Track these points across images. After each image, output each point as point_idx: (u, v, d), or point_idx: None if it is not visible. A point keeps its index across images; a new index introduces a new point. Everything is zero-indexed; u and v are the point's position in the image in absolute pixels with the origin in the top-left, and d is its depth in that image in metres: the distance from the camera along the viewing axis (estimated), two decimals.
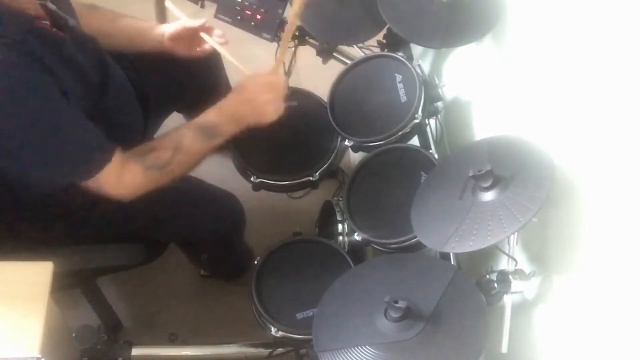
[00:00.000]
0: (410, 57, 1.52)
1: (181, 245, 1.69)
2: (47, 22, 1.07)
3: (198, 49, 1.40)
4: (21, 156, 1.04)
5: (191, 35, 1.38)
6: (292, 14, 1.27)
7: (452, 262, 1.23)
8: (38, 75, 1.00)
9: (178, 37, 1.37)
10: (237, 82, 1.27)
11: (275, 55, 1.40)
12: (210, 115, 1.21)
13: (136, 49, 1.41)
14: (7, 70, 0.96)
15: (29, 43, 1.00)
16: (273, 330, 1.22)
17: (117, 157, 1.11)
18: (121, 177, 1.12)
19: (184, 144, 1.17)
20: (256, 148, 1.49)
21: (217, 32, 1.39)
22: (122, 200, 1.15)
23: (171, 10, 1.38)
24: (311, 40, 1.60)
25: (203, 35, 1.36)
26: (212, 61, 1.60)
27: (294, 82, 1.75)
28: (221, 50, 1.37)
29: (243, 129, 1.23)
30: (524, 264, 1.11)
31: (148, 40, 1.38)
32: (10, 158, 1.05)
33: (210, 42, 1.37)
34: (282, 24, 1.57)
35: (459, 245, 0.99)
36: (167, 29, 1.37)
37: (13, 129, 1.00)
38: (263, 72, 1.27)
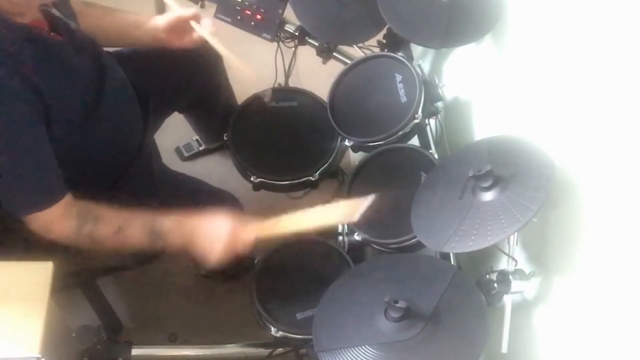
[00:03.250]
0: (410, 57, 1.52)
1: None
2: (45, 28, 1.07)
3: (187, 39, 1.39)
4: None
5: (183, 26, 1.37)
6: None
7: (452, 262, 1.23)
8: (20, 102, 0.98)
9: (172, 28, 1.36)
10: (215, 213, 1.18)
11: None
12: (167, 223, 1.16)
13: (132, 43, 1.40)
14: None
15: (23, 55, 0.98)
16: (273, 330, 1.22)
17: (59, 207, 1.08)
18: (53, 226, 1.09)
19: (126, 232, 1.13)
20: (256, 148, 1.49)
21: (206, 20, 1.37)
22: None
23: (169, 5, 1.38)
24: (311, 40, 1.60)
25: (193, 24, 1.35)
26: (212, 62, 1.60)
27: (294, 82, 1.75)
28: (210, 39, 1.35)
29: (183, 250, 1.18)
30: (524, 264, 1.11)
31: (143, 33, 1.37)
32: None
33: (200, 31, 1.36)
34: (282, 24, 1.57)
35: (459, 245, 0.99)
36: (160, 21, 1.36)
37: None
38: (247, 224, 1.18)
